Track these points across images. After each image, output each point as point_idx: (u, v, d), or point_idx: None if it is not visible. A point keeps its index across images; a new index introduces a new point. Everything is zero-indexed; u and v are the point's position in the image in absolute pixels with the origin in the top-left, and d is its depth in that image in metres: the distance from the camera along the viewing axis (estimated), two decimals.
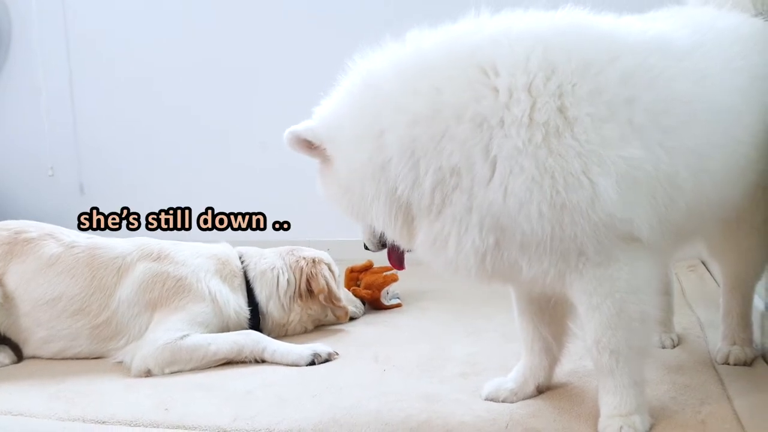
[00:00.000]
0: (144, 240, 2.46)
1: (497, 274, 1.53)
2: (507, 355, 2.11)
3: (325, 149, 1.61)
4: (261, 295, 2.50)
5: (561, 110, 1.42)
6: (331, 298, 2.57)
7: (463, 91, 1.45)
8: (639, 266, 1.50)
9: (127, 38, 4.26)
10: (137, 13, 4.23)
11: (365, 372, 2.08)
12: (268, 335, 2.36)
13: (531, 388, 1.81)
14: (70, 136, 4.41)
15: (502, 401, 1.78)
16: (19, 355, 2.34)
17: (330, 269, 2.63)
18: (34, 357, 2.35)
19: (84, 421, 1.82)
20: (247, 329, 2.37)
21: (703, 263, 3.15)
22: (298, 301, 2.54)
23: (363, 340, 2.42)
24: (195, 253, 2.44)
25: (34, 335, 2.33)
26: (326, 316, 2.62)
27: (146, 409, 1.86)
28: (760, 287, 2.01)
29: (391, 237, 1.62)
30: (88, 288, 2.32)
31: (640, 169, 1.43)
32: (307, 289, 2.54)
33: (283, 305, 2.52)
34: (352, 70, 1.61)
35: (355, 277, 2.92)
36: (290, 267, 2.57)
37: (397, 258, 1.76)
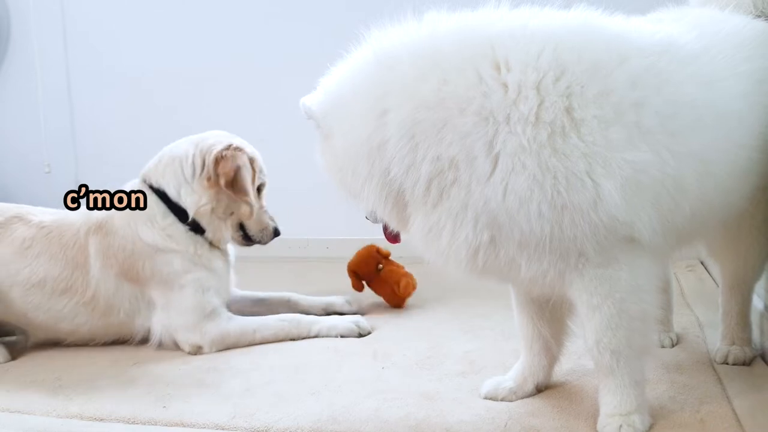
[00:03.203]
0: (84, 211, 2.44)
1: (491, 271, 1.53)
2: (506, 353, 2.11)
3: (322, 125, 1.61)
4: (170, 189, 2.38)
5: (568, 111, 1.41)
6: (235, 186, 2.35)
7: (470, 84, 1.44)
8: (639, 266, 1.50)
9: (126, 36, 4.25)
10: (136, 11, 4.22)
11: (364, 369, 2.07)
12: (204, 235, 2.39)
13: (530, 386, 1.81)
14: (68, 133, 4.40)
15: (501, 400, 1.78)
16: (13, 354, 2.34)
17: (252, 164, 2.42)
18: (49, 340, 2.39)
19: (82, 418, 1.82)
20: (186, 239, 2.36)
21: (702, 263, 3.15)
22: (205, 183, 2.36)
23: (361, 337, 2.41)
24: (112, 211, 2.40)
25: (35, 319, 2.35)
26: (231, 214, 2.44)
27: (144, 407, 1.85)
28: (759, 287, 2.01)
29: (382, 218, 1.62)
30: (66, 267, 2.33)
31: (646, 173, 1.43)
32: (216, 174, 2.36)
33: (193, 190, 2.37)
34: (365, 42, 1.58)
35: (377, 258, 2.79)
36: (201, 151, 2.40)
37: (392, 233, 1.75)
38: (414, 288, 2.74)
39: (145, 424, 1.77)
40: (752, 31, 1.78)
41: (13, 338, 2.44)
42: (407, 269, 2.79)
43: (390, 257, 2.83)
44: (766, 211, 1.87)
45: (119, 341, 2.42)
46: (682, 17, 1.77)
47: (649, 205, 1.45)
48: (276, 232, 2.56)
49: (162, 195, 2.40)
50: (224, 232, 2.46)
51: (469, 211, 1.46)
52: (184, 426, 1.74)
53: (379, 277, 2.76)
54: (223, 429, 1.72)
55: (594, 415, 1.61)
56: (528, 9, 1.53)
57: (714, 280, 2.81)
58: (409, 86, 1.48)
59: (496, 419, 1.67)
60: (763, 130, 1.68)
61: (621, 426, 1.53)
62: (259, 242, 2.55)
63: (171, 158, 2.42)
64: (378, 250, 2.79)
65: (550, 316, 1.78)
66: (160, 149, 2.56)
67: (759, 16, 1.90)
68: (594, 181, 1.40)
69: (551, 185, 1.39)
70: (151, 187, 2.42)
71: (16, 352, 2.36)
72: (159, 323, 2.34)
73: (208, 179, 2.37)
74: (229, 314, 2.39)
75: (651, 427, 1.56)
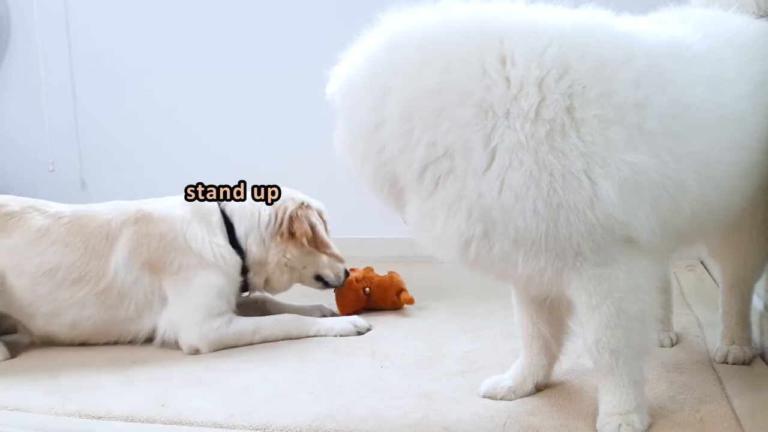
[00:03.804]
0: (123, 203, 2.48)
1: (486, 265, 1.53)
2: (505, 352, 2.11)
3: (335, 105, 1.62)
4: (240, 229, 2.47)
5: (569, 110, 1.41)
6: (317, 242, 2.50)
7: (472, 75, 1.43)
8: (637, 266, 1.49)
9: (129, 32, 4.25)
10: (139, 8, 4.22)
11: (363, 369, 2.07)
12: (252, 278, 2.48)
13: (529, 386, 1.81)
14: (72, 131, 4.41)
15: (500, 399, 1.78)
16: (12, 352, 2.34)
17: (321, 216, 2.57)
18: (47, 336, 2.38)
19: (80, 416, 1.82)
20: (236, 268, 2.43)
21: (702, 263, 3.15)
22: (278, 239, 2.48)
23: (361, 336, 2.41)
24: (170, 206, 2.46)
25: (39, 310, 2.34)
26: (304, 267, 2.56)
27: (143, 405, 1.85)
28: (759, 287, 2.00)
29: (380, 202, 1.63)
30: (83, 256, 2.34)
31: (644, 174, 1.42)
32: (289, 231, 2.48)
33: (263, 240, 2.48)
34: (379, 25, 1.57)
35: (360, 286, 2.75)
36: (275, 206, 2.52)
37: None
38: (411, 301, 2.71)
39: (143, 422, 1.76)
40: (755, 32, 1.78)
41: (12, 336, 2.44)
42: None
43: (369, 271, 2.78)
44: (766, 212, 1.86)
45: (119, 342, 2.42)
46: (685, 18, 1.77)
47: (648, 207, 1.45)
48: (346, 274, 2.67)
49: (229, 226, 2.48)
50: (285, 282, 2.57)
51: (463, 203, 1.46)
52: (183, 424, 1.74)
53: (372, 299, 2.73)
54: (221, 427, 1.71)
55: (593, 415, 1.60)
56: (543, 6, 1.53)
57: (714, 280, 2.81)
58: (413, 71, 1.47)
59: (495, 418, 1.67)
60: (764, 132, 1.68)
61: (620, 425, 1.52)
62: (337, 285, 2.66)
63: (249, 203, 2.53)
64: (356, 279, 2.71)
65: (550, 316, 1.78)
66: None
67: (762, 16, 1.90)
68: (591, 180, 1.39)
69: (547, 183, 1.39)
70: (223, 213, 2.50)
71: (15, 350, 2.35)
72: (166, 318, 2.35)
73: (281, 235, 2.48)
74: (231, 317, 2.38)
75: (650, 426, 1.56)
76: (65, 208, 2.46)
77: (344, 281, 2.66)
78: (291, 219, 2.49)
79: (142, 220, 2.39)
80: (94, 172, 4.42)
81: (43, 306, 2.34)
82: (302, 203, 2.53)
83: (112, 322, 2.36)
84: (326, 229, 2.58)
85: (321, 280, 2.64)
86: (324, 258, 2.58)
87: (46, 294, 2.33)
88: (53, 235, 2.36)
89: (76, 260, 2.34)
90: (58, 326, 2.36)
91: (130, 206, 2.45)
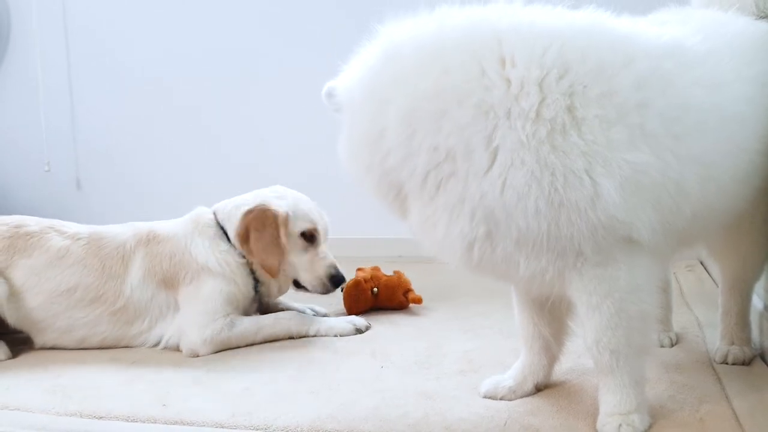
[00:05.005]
0: (136, 225, 2.52)
1: (488, 266, 1.53)
2: (505, 352, 2.11)
3: (340, 115, 1.62)
4: (231, 234, 2.48)
5: (570, 109, 1.41)
6: (248, 247, 2.42)
7: (470, 77, 1.43)
8: (638, 266, 1.50)
9: (127, 33, 4.25)
10: (137, 8, 4.22)
11: (363, 369, 2.07)
12: (261, 288, 2.51)
13: (529, 386, 1.81)
14: (68, 131, 4.40)
15: (501, 399, 1.78)
16: (13, 351, 2.34)
17: (275, 221, 2.42)
18: (54, 347, 2.38)
19: (81, 416, 1.82)
20: (244, 270, 2.45)
21: (702, 263, 3.16)
22: (238, 241, 2.46)
23: (360, 336, 2.41)
24: (174, 224, 2.51)
25: (52, 326, 2.37)
26: (287, 267, 2.50)
27: (144, 405, 1.85)
28: (758, 287, 2.01)
29: (385, 209, 1.64)
30: (100, 277, 2.38)
31: (646, 174, 1.42)
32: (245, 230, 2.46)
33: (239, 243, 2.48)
34: (379, 35, 1.58)
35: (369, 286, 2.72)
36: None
37: None
38: (419, 300, 2.72)
39: (144, 422, 1.76)
40: (755, 34, 1.78)
41: (13, 336, 2.44)
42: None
43: (376, 270, 2.78)
44: (766, 212, 1.87)
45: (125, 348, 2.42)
46: (687, 19, 1.77)
47: (650, 207, 1.45)
48: (334, 280, 2.51)
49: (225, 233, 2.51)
50: (272, 287, 2.55)
51: (465, 205, 1.46)
52: (184, 424, 1.74)
53: (379, 299, 2.71)
54: (222, 427, 1.71)
55: (593, 414, 1.61)
56: (539, 7, 1.53)
57: (713, 280, 2.82)
58: (411, 78, 1.48)
59: (495, 418, 1.67)
60: (765, 134, 1.68)
61: (620, 425, 1.53)
62: (319, 293, 2.53)
63: (235, 206, 2.51)
64: (364, 279, 2.69)
65: (551, 316, 1.78)
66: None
67: (761, 17, 1.91)
68: (593, 179, 1.39)
69: (549, 182, 1.39)
70: (218, 223, 2.52)
71: (16, 350, 2.35)
72: (174, 325, 2.37)
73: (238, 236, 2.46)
74: (233, 318, 2.37)
75: (650, 426, 1.57)
76: (83, 229, 2.49)
77: (343, 286, 2.60)
78: (241, 219, 2.45)
79: (153, 240, 2.44)
80: (90, 173, 4.42)
81: (56, 323, 2.37)
82: (257, 205, 2.45)
83: (123, 336, 2.40)
84: (278, 235, 2.41)
85: (300, 285, 2.54)
86: (301, 260, 2.47)
87: (61, 312, 2.36)
88: (72, 257, 2.40)
89: (94, 281, 2.38)
90: (68, 341, 2.39)
91: (142, 227, 2.50)
